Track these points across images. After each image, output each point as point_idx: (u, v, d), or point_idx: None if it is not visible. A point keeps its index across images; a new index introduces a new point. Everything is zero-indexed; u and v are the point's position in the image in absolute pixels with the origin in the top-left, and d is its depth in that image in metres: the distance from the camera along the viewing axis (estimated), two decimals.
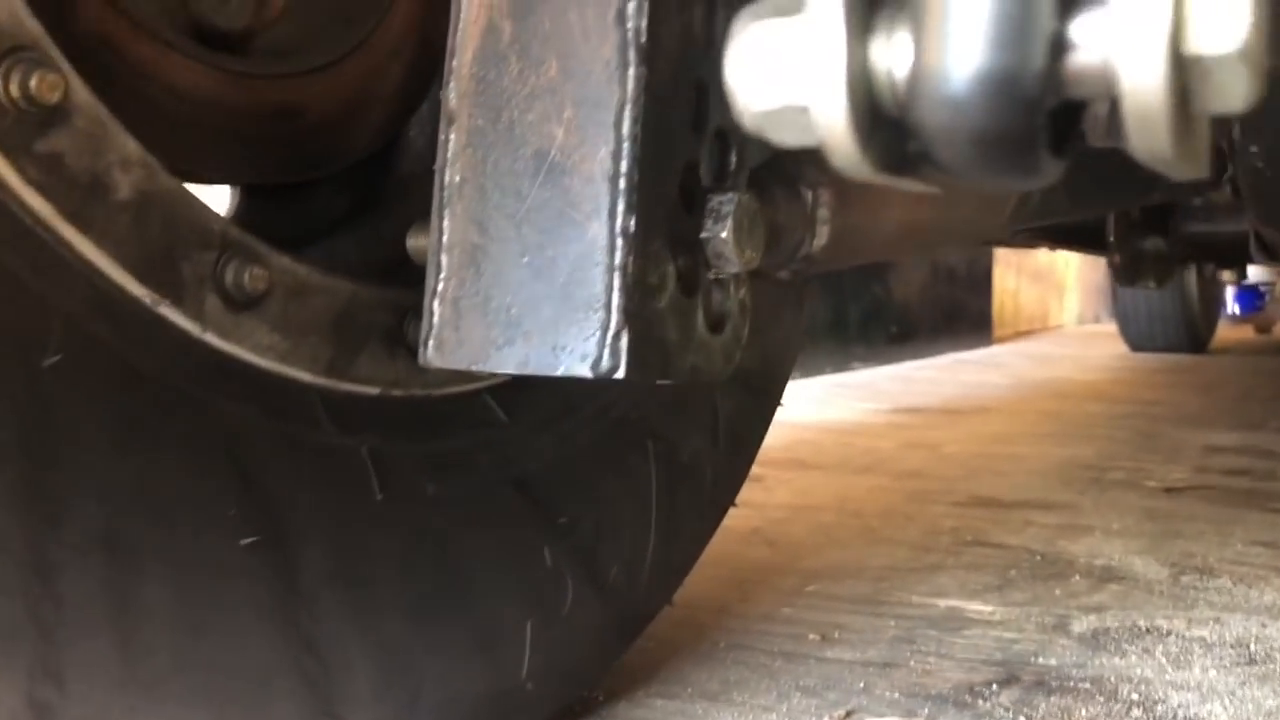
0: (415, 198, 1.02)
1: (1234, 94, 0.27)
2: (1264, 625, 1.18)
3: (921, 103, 0.29)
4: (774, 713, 0.96)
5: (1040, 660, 1.08)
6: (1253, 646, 1.12)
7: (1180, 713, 0.95)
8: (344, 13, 0.99)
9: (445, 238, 0.61)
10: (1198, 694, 0.99)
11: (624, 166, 0.56)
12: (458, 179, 0.61)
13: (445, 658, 0.71)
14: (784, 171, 0.73)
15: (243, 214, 1.03)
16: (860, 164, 0.31)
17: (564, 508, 0.82)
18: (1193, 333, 4.84)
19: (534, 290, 0.58)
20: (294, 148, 0.97)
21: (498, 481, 0.78)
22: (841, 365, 4.17)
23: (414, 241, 0.71)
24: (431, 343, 0.61)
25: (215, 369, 0.62)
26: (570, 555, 0.82)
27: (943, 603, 1.27)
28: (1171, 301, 4.68)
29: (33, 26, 0.54)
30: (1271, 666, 1.06)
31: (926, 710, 0.96)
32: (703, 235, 0.62)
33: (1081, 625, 1.19)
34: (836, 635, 1.16)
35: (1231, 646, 1.12)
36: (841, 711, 0.96)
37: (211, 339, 0.62)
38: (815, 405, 3.02)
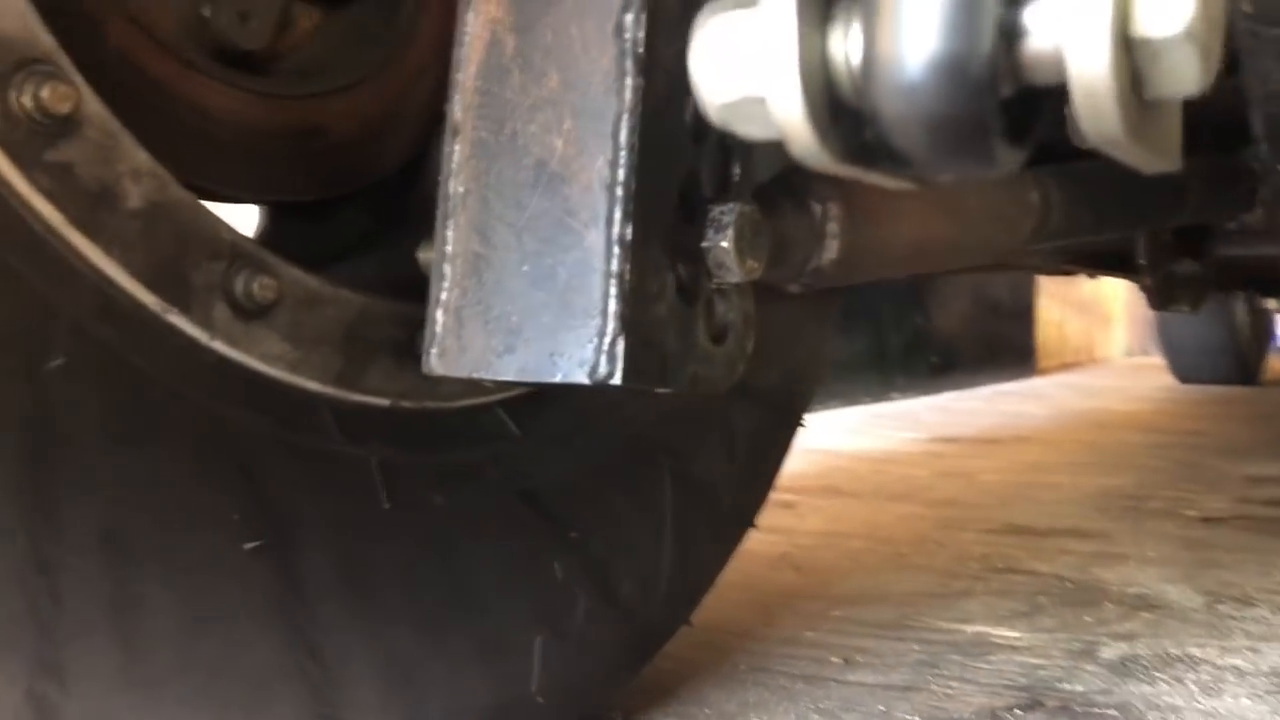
0: None
1: (1185, 76, 0.27)
2: None
3: (875, 89, 0.29)
4: None
5: (1066, 686, 1.07)
6: None
7: None
8: (367, 35, 1.01)
9: (449, 248, 0.62)
10: None
11: (621, 175, 0.56)
12: (461, 190, 0.62)
13: (452, 667, 0.71)
14: (792, 185, 0.73)
15: (268, 232, 1.05)
16: (819, 154, 0.31)
17: (575, 522, 0.82)
18: (1241, 364, 4.75)
19: (534, 298, 0.58)
20: (316, 167, 0.99)
21: (508, 494, 0.78)
22: (881, 395, 4.15)
23: (424, 255, 0.72)
24: (434, 351, 0.62)
25: (223, 376, 0.63)
26: (581, 570, 0.82)
27: (969, 628, 1.26)
28: (1219, 332, 4.60)
29: (46, 41, 0.55)
30: None
31: None
32: (704, 244, 0.62)
33: (1110, 652, 1.17)
34: (859, 659, 1.15)
35: (1266, 675, 1.09)
36: None
37: (220, 347, 0.63)
38: (852, 434, 3.00)
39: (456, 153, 0.62)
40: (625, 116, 0.57)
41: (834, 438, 2.87)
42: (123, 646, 0.54)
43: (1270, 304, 3.78)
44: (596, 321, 0.57)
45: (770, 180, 0.74)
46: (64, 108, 0.55)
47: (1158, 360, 5.39)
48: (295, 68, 1.00)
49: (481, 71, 0.62)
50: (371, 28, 1.01)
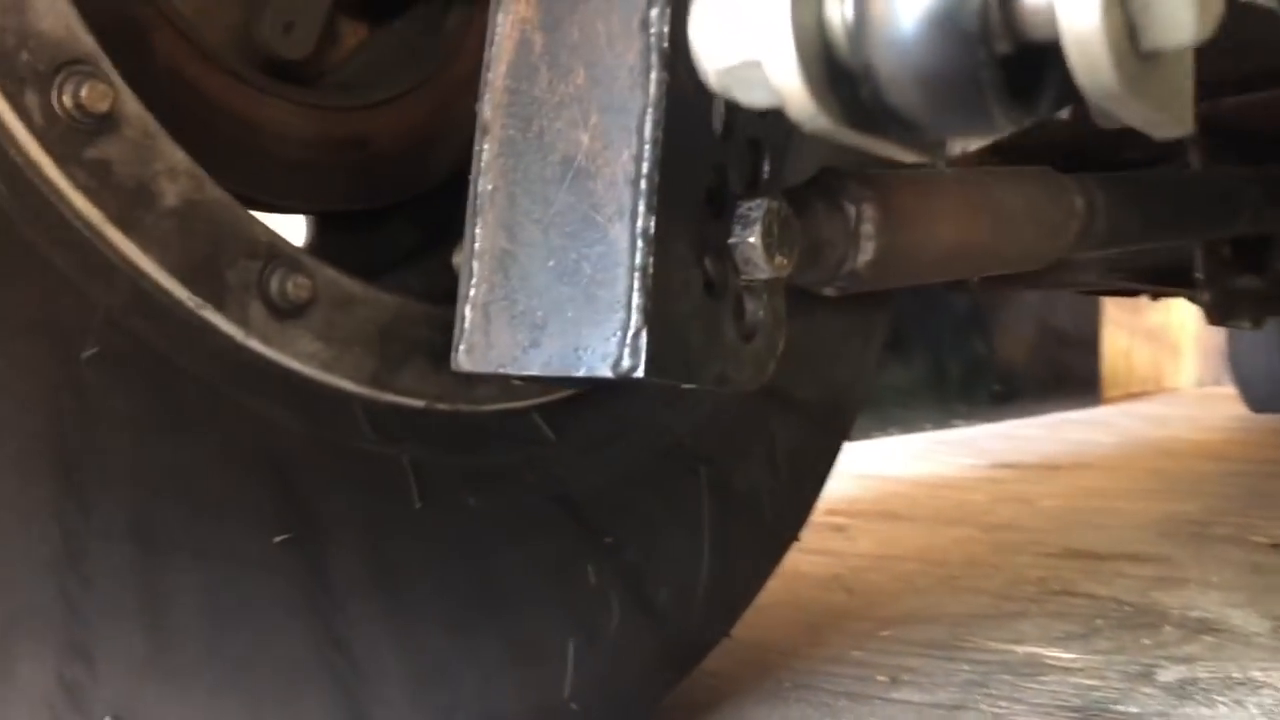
0: None
1: (1180, 25, 0.26)
2: None
3: (868, 46, 0.29)
4: None
5: (1120, 708, 1.04)
6: None
7: None
8: (412, 49, 1.03)
9: (477, 245, 0.62)
10: None
11: (645, 169, 0.56)
12: (490, 187, 0.62)
13: (482, 669, 0.71)
14: (826, 185, 0.73)
15: (316, 242, 1.06)
16: (818, 117, 0.31)
17: (610, 528, 0.82)
18: None
19: (559, 293, 0.59)
20: (362, 177, 1.00)
21: (542, 498, 0.78)
22: (942, 423, 4.09)
23: (457, 257, 0.72)
24: (462, 347, 0.62)
25: (257, 373, 0.64)
26: (616, 576, 0.82)
27: (1021, 649, 1.23)
28: None
29: (87, 42, 0.57)
30: None
31: None
32: (731, 240, 0.62)
33: (1169, 675, 1.13)
34: (905, 678, 1.13)
35: None
36: None
37: (254, 344, 0.64)
38: (911, 460, 2.96)
39: (485, 151, 0.62)
40: (650, 110, 0.57)
41: (892, 464, 2.83)
42: (152, 634, 0.55)
43: None
44: (620, 315, 0.56)
45: (804, 181, 0.73)
46: (102, 106, 0.56)
47: (1230, 390, 5.26)
48: (341, 81, 1.02)
49: (511, 70, 0.62)
50: (416, 42, 1.03)
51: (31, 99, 0.55)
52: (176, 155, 0.61)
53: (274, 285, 0.65)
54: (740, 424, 0.96)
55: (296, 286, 0.66)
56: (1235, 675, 1.13)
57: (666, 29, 0.57)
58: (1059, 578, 1.58)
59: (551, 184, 0.60)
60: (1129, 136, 1.48)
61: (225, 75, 0.87)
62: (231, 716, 0.58)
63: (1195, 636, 1.28)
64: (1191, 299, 1.40)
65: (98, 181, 0.57)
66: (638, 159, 0.57)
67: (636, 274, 0.56)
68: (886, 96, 0.30)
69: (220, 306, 0.62)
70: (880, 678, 1.13)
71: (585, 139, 0.59)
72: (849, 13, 0.29)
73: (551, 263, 0.59)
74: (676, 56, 0.57)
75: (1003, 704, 1.05)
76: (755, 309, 0.65)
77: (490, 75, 0.63)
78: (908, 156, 0.34)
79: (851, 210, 0.72)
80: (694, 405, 0.92)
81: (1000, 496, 2.37)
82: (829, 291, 0.76)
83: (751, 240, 0.61)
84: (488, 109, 0.63)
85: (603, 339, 0.57)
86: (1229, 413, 4.90)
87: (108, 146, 0.58)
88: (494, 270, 0.61)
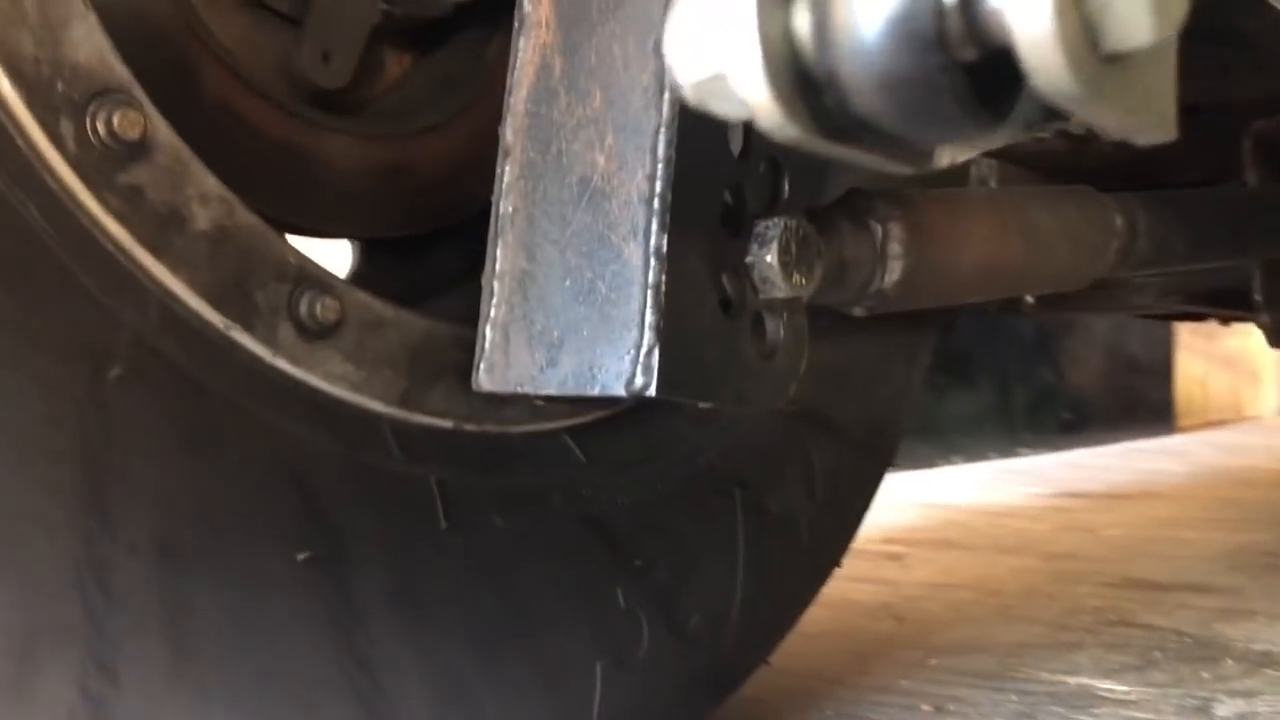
0: None
1: (1138, 26, 0.26)
2: None
3: (832, 54, 0.29)
4: None
5: None
6: None
7: None
8: (454, 78, 1.05)
9: (498, 266, 0.63)
10: None
11: (658, 188, 0.57)
12: (510, 209, 0.63)
13: (508, 689, 0.72)
14: (852, 205, 0.73)
15: (362, 269, 1.08)
16: (788, 128, 0.31)
17: (640, 550, 0.82)
18: None
19: (575, 312, 0.59)
20: (404, 204, 1.02)
21: (570, 520, 0.79)
22: (1007, 451, 4.02)
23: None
24: (483, 366, 0.63)
25: (285, 392, 0.65)
26: (645, 598, 0.82)
27: (1073, 680, 1.20)
28: None
29: (121, 71, 0.59)
30: None
31: None
32: (748, 259, 0.62)
33: (1227, 709, 1.10)
34: (951, 708, 1.11)
35: None
36: None
37: (283, 364, 0.65)
38: (973, 489, 2.92)
39: (507, 173, 0.63)
40: (663, 130, 0.57)
41: (954, 492, 2.79)
42: (174, 649, 0.56)
43: None
44: (633, 333, 0.57)
45: (832, 200, 0.73)
46: (134, 133, 0.58)
47: None
48: (385, 109, 1.04)
49: (531, 94, 0.63)
50: (458, 71, 1.05)
51: (66, 127, 0.57)
52: (208, 181, 0.63)
53: (303, 307, 0.66)
54: (776, 446, 0.96)
55: (325, 308, 0.67)
56: None
57: None
58: (1118, 608, 1.54)
59: (569, 205, 0.60)
60: (1187, 155, 1.45)
61: (270, 106, 0.90)
62: None
63: (1257, 670, 1.23)
64: (1252, 321, 1.37)
65: (130, 206, 0.59)
66: (651, 178, 0.57)
67: (649, 292, 0.57)
68: (852, 105, 0.30)
69: (249, 327, 0.64)
70: (925, 707, 1.11)
71: (601, 160, 0.59)
72: (813, 21, 0.29)
73: (568, 282, 0.60)
74: None
75: None
76: (775, 328, 0.65)
77: (512, 99, 0.64)
78: (890, 167, 0.34)
79: (878, 230, 0.72)
80: (728, 427, 0.92)
81: (1063, 526, 2.32)
82: (857, 311, 0.76)
83: (768, 259, 0.61)
84: (509, 133, 0.64)
85: (616, 357, 0.57)
86: None
87: (140, 172, 0.59)
88: (513, 291, 0.62)
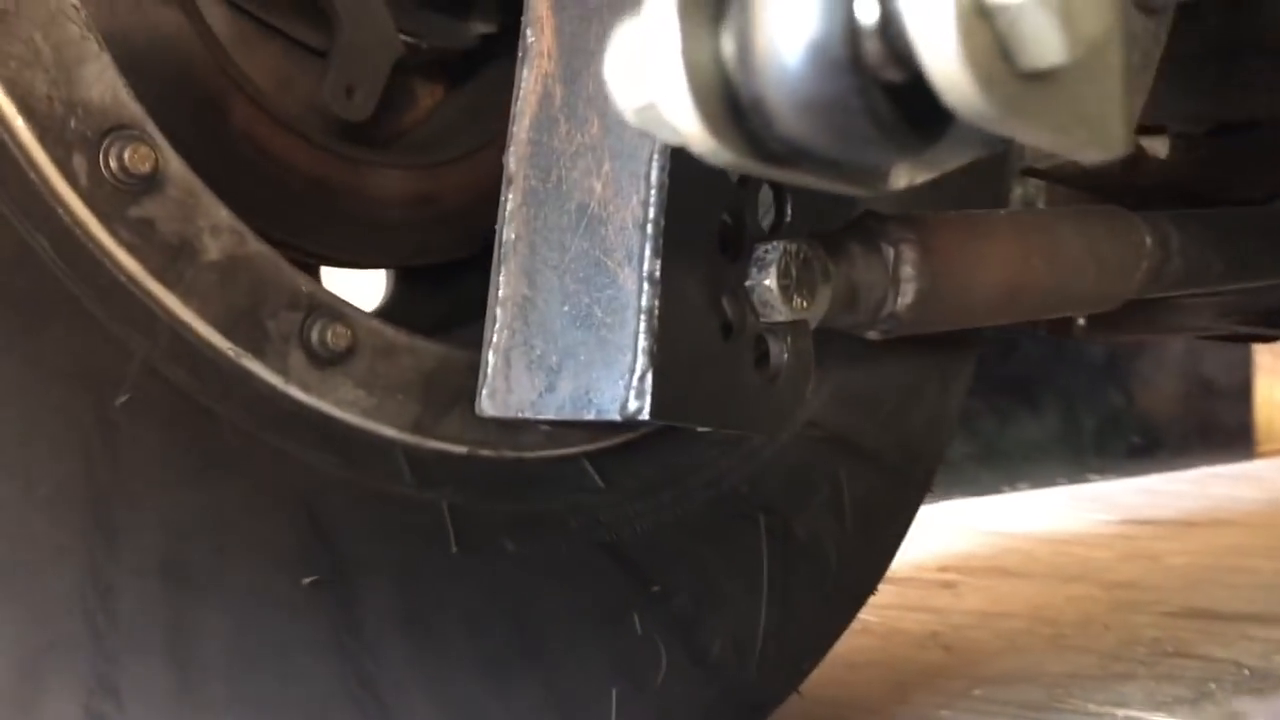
0: None
1: (1049, 46, 0.26)
2: None
3: (754, 78, 0.29)
4: None
5: None
6: None
7: None
8: (483, 108, 1.06)
9: (500, 292, 0.64)
10: None
11: (651, 214, 0.57)
12: (513, 236, 0.64)
13: (519, 714, 0.72)
14: (864, 228, 0.72)
15: (395, 296, 1.10)
16: (721, 153, 0.31)
17: (658, 576, 0.82)
18: None
19: (573, 337, 0.60)
20: (435, 233, 1.03)
21: (586, 545, 0.79)
22: (1076, 477, 3.93)
23: None
24: (485, 392, 0.64)
25: (296, 418, 0.66)
26: (663, 624, 0.81)
27: (1121, 712, 1.16)
28: None
29: (133, 108, 0.61)
30: None
31: None
32: (748, 283, 0.62)
33: None
34: None
35: None
36: None
37: (294, 391, 0.66)
38: (1037, 515, 2.86)
39: (510, 201, 0.64)
40: (656, 156, 0.58)
41: (1016, 519, 2.74)
42: (178, 670, 0.57)
43: None
44: (627, 357, 0.57)
45: (843, 225, 0.73)
46: (145, 167, 0.60)
47: None
48: (415, 141, 1.06)
49: (534, 123, 0.64)
50: (486, 102, 1.06)
51: (79, 163, 0.59)
52: (220, 213, 0.65)
53: (315, 335, 0.68)
54: (803, 471, 0.95)
55: (336, 336, 0.68)
56: None
57: None
58: (1175, 638, 1.49)
59: (568, 231, 0.61)
60: (1247, 172, 1.42)
61: (300, 140, 0.92)
62: None
63: None
64: None
65: (141, 238, 0.61)
66: (645, 204, 0.57)
67: (642, 317, 0.57)
68: (778, 129, 0.30)
69: (260, 355, 0.65)
70: None
71: (598, 186, 0.60)
72: (736, 47, 0.29)
73: (566, 308, 0.60)
74: None
75: None
76: (779, 352, 0.65)
77: (515, 128, 0.65)
78: (842, 189, 0.34)
79: (890, 252, 0.71)
80: (753, 452, 0.91)
81: (1126, 553, 2.26)
82: (872, 335, 0.75)
83: (767, 283, 0.61)
84: (513, 161, 0.65)
85: (611, 382, 0.57)
86: None
87: (151, 205, 0.61)
88: (515, 316, 0.63)
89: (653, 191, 0.57)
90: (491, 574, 0.73)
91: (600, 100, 0.61)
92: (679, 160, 0.58)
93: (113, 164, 0.60)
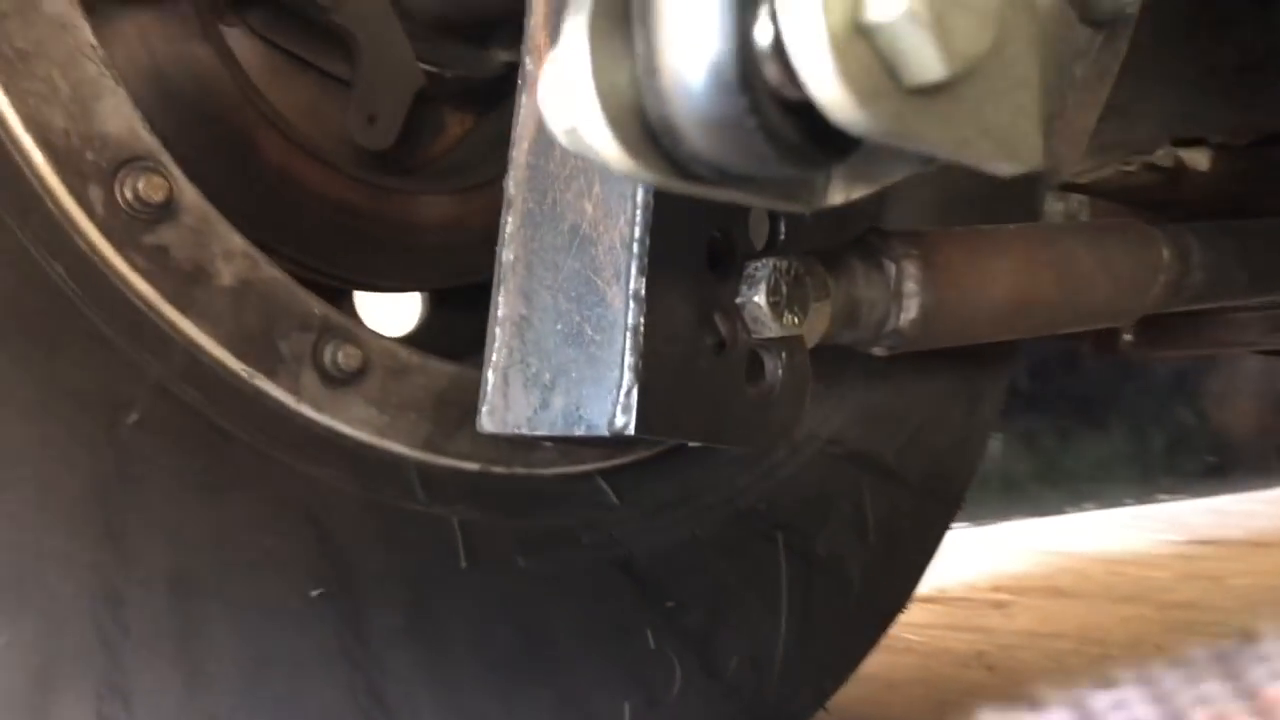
0: None
1: (927, 62, 0.26)
2: None
3: (661, 100, 0.30)
4: None
5: None
6: None
7: None
8: (508, 135, 1.08)
9: (499, 312, 0.66)
10: None
11: (637, 233, 0.58)
12: (511, 257, 0.65)
13: None
14: (867, 244, 0.73)
15: (429, 318, 1.12)
16: (641, 173, 0.32)
17: (672, 592, 0.82)
18: None
19: (565, 355, 0.61)
20: (465, 256, 1.06)
21: (599, 561, 0.80)
22: (1144, 497, 3.85)
23: None
24: (484, 409, 0.65)
25: (307, 436, 0.68)
26: (678, 640, 0.82)
27: None
28: None
29: (148, 140, 0.64)
30: None
31: None
32: (738, 300, 0.63)
33: None
34: None
35: None
36: None
37: (306, 410, 0.69)
38: (1098, 535, 2.81)
39: (509, 223, 0.66)
40: None
41: (1077, 539, 2.69)
42: (187, 678, 0.60)
43: None
44: (615, 374, 0.58)
45: (847, 241, 0.74)
46: (158, 196, 0.63)
47: None
48: (447, 167, 1.08)
49: (532, 147, 0.66)
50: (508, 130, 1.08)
51: (95, 193, 0.62)
52: (233, 239, 0.67)
53: (327, 355, 0.70)
54: (824, 489, 0.95)
55: (348, 356, 0.70)
56: None
57: None
58: None
59: (561, 251, 0.62)
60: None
61: (329, 170, 0.95)
62: None
63: None
64: None
65: (155, 265, 0.63)
66: (631, 224, 0.59)
67: (628, 334, 0.58)
68: (686, 148, 0.31)
69: (272, 375, 0.67)
70: None
71: (589, 208, 0.61)
72: (643, 71, 0.30)
73: (559, 326, 0.62)
74: None
75: None
76: (774, 368, 0.65)
77: (514, 153, 0.67)
78: (772, 205, 0.35)
79: (892, 268, 0.72)
80: (771, 470, 0.92)
81: (1188, 574, 2.21)
82: (877, 351, 0.75)
83: (757, 299, 0.62)
84: (512, 185, 0.66)
85: (600, 398, 0.59)
86: None
87: (166, 233, 0.64)
88: (512, 335, 0.64)
89: (638, 211, 0.58)
90: (502, 589, 0.74)
91: None
92: None
93: (128, 194, 0.62)
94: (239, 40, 0.90)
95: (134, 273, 0.62)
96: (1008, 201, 1.06)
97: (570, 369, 0.60)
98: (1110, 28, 0.40)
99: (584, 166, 0.62)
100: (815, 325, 0.67)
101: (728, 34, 0.28)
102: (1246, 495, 4.11)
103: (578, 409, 0.60)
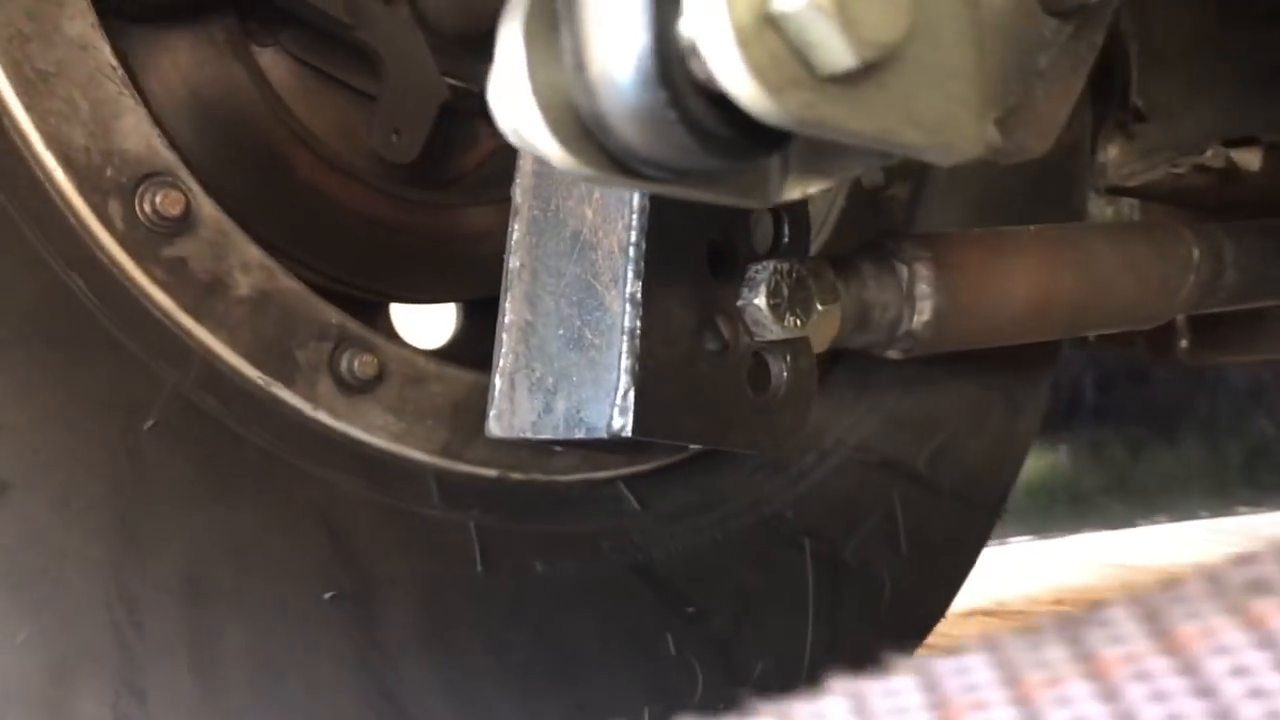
0: None
1: (836, 52, 0.26)
2: None
3: (592, 98, 0.31)
4: None
5: None
6: None
7: None
8: None
9: (507, 318, 0.66)
10: None
11: (633, 237, 0.59)
12: (517, 264, 0.66)
13: None
14: (879, 247, 0.73)
15: (465, 328, 1.14)
16: (582, 169, 0.32)
17: (693, 597, 0.83)
18: None
19: (567, 359, 0.62)
20: (494, 267, 1.07)
21: (618, 566, 0.80)
22: (1221, 510, 3.74)
23: None
24: (492, 414, 0.66)
25: (323, 442, 0.70)
26: (700, 645, 0.82)
27: None
28: None
29: (167, 156, 0.66)
30: None
31: None
32: (739, 303, 0.63)
33: None
34: None
35: None
36: None
37: (322, 417, 0.70)
38: (1169, 549, 2.74)
39: (516, 231, 0.67)
40: None
41: (1148, 553, 2.63)
42: (201, 677, 0.61)
43: None
44: (612, 376, 0.59)
45: (859, 245, 0.73)
46: (175, 210, 0.65)
47: None
48: (478, 179, 1.10)
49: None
50: None
51: (114, 208, 0.64)
52: (250, 251, 0.69)
53: (344, 363, 0.71)
54: (853, 497, 0.95)
55: (364, 364, 0.72)
56: None
57: None
58: None
59: (563, 257, 0.63)
60: None
61: (360, 184, 0.97)
62: None
63: None
64: None
65: (174, 276, 0.65)
66: (628, 228, 0.59)
67: (625, 337, 0.58)
68: (616, 142, 0.31)
69: (289, 383, 0.69)
70: None
71: (590, 213, 0.62)
72: (574, 69, 0.31)
73: (561, 331, 0.62)
74: None
75: None
76: (779, 371, 0.65)
77: (521, 162, 0.68)
78: (722, 200, 0.35)
79: (904, 271, 0.71)
80: (798, 476, 0.91)
81: None
82: (891, 354, 0.75)
83: (757, 302, 0.62)
84: (519, 193, 0.68)
85: (598, 401, 0.59)
86: None
87: (184, 245, 0.66)
88: (518, 341, 0.65)
89: (635, 216, 0.59)
90: (519, 595, 0.75)
91: None
92: None
93: (147, 208, 0.65)
94: (269, 59, 0.93)
95: (153, 284, 0.65)
96: (1048, 203, 1.05)
97: (572, 373, 0.61)
98: (1080, 18, 0.39)
99: None
100: (825, 328, 0.66)
101: (647, 28, 0.29)
102: None
103: (578, 412, 0.60)
